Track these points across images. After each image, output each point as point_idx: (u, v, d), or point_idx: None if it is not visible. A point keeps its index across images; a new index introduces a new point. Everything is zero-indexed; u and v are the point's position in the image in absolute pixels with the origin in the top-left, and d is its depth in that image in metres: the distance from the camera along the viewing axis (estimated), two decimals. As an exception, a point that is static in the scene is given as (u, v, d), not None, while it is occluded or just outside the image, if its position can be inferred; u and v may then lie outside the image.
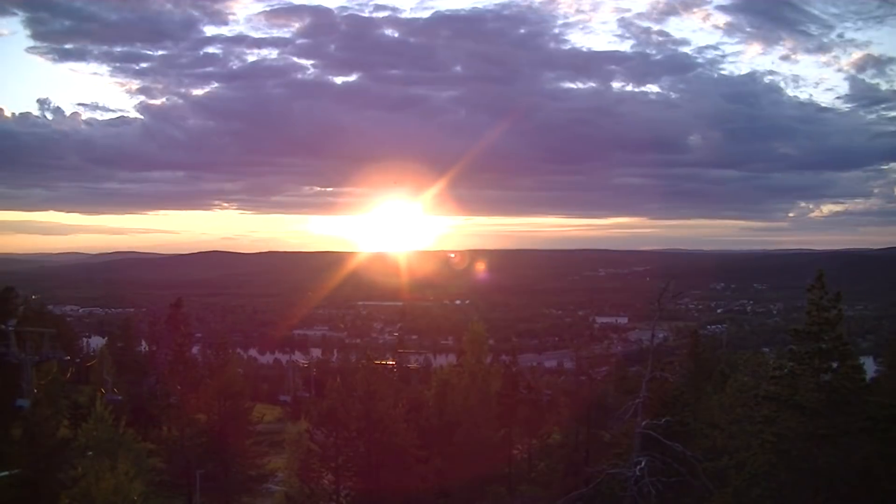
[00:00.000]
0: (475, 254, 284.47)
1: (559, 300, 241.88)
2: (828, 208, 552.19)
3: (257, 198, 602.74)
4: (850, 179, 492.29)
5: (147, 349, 71.34)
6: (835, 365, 22.55)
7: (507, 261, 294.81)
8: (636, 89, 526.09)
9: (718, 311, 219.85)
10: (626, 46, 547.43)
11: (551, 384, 62.42)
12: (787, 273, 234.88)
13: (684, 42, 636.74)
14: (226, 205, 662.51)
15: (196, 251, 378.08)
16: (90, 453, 27.84)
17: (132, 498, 25.41)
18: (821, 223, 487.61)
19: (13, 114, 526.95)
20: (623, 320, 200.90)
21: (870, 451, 22.05)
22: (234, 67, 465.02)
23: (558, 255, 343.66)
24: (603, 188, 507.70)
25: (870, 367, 41.26)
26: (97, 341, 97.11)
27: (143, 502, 26.65)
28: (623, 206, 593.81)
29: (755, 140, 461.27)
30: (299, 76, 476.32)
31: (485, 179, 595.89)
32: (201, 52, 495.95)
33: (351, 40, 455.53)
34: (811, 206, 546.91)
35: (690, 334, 48.99)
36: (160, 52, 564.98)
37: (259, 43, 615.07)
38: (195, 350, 61.66)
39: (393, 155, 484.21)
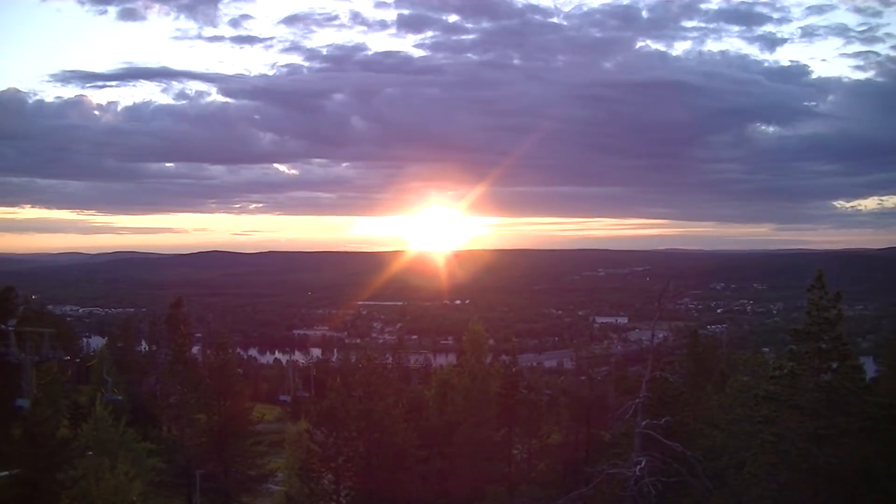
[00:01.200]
0: (475, 254, 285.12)
1: (559, 300, 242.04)
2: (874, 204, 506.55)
3: (271, 196, 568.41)
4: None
5: (147, 349, 71.46)
6: (835, 365, 22.57)
7: (507, 260, 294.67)
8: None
9: (718, 311, 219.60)
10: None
11: (551, 384, 62.33)
12: (787, 273, 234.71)
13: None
14: (238, 205, 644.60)
15: (196, 251, 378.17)
16: (90, 453, 27.86)
17: (132, 498, 25.43)
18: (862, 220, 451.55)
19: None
20: (623, 320, 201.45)
21: (870, 451, 22.07)
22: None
23: (558, 255, 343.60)
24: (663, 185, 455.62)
25: (870, 367, 41.27)
26: (97, 341, 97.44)
27: (143, 502, 26.68)
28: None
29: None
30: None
31: (504, 179, 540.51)
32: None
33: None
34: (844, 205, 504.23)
35: (690, 334, 48.97)
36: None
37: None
38: (195, 350, 61.80)
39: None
